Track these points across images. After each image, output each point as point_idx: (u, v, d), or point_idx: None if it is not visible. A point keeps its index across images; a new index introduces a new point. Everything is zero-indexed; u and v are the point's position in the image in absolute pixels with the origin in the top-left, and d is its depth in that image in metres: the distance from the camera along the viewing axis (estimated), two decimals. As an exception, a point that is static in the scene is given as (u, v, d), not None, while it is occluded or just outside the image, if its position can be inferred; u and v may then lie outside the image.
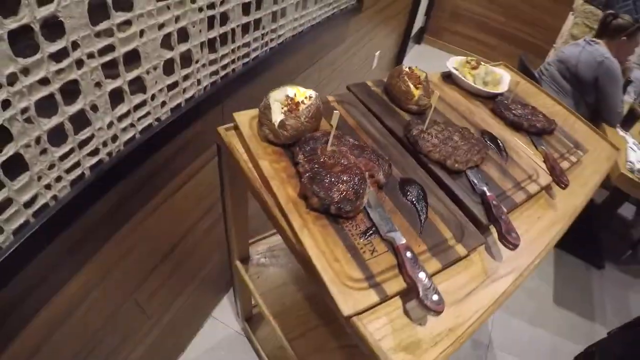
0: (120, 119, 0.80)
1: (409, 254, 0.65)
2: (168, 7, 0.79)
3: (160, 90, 0.87)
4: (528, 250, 0.85)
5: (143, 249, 1.09)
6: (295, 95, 0.82)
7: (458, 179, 0.87)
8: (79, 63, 0.66)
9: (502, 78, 1.30)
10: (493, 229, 0.83)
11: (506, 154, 1.00)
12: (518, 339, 2.04)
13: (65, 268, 0.85)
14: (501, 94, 1.25)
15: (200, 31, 0.90)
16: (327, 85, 2.09)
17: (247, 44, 1.10)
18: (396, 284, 0.64)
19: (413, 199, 0.78)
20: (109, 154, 0.81)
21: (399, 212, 0.75)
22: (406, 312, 0.65)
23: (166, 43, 0.83)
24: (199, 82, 0.98)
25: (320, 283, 0.62)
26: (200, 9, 0.87)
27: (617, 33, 2.21)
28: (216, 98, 1.07)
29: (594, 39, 2.25)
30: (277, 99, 0.80)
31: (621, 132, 2.24)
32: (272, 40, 1.23)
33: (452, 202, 0.81)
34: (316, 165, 0.72)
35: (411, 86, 1.01)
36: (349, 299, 0.60)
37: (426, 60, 4.35)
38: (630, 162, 1.94)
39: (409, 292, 0.65)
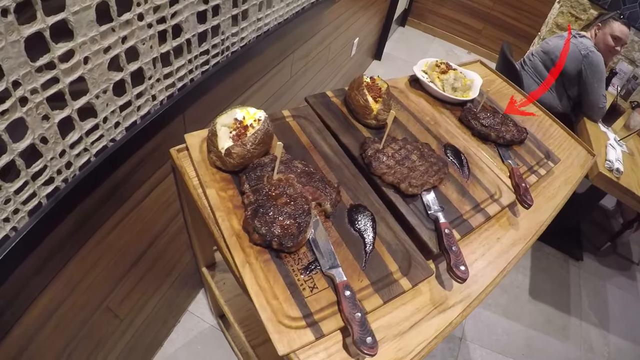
0: (73, 146, 0.78)
1: (347, 293, 0.65)
2: (113, 30, 0.75)
3: (113, 112, 0.85)
4: (481, 276, 0.85)
5: (110, 259, 1.09)
6: (244, 118, 0.80)
7: (412, 203, 0.86)
8: (23, 101, 0.64)
9: (472, 83, 1.27)
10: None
11: (468, 171, 0.98)
12: (491, 332, 2.06)
13: (31, 288, 0.85)
14: (471, 101, 1.22)
15: (151, 47, 0.87)
16: (302, 76, 2.04)
17: (205, 52, 1.07)
18: (334, 322, 0.64)
19: (361, 228, 0.77)
20: (65, 180, 0.80)
21: (344, 244, 0.75)
22: (345, 347, 0.66)
23: (114, 65, 0.80)
24: (154, 97, 0.95)
25: (259, 319, 0.62)
26: (150, 25, 0.84)
27: (595, 21, 2.20)
28: (175, 110, 1.04)
29: (580, 32, 2.21)
30: (224, 123, 0.79)
31: (603, 128, 2.19)
32: (233, 44, 1.19)
33: (402, 229, 0.80)
34: (261, 197, 0.71)
35: (370, 100, 0.97)
36: (284, 338, 0.61)
37: (409, 43, 4.31)
38: (609, 160, 1.89)
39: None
